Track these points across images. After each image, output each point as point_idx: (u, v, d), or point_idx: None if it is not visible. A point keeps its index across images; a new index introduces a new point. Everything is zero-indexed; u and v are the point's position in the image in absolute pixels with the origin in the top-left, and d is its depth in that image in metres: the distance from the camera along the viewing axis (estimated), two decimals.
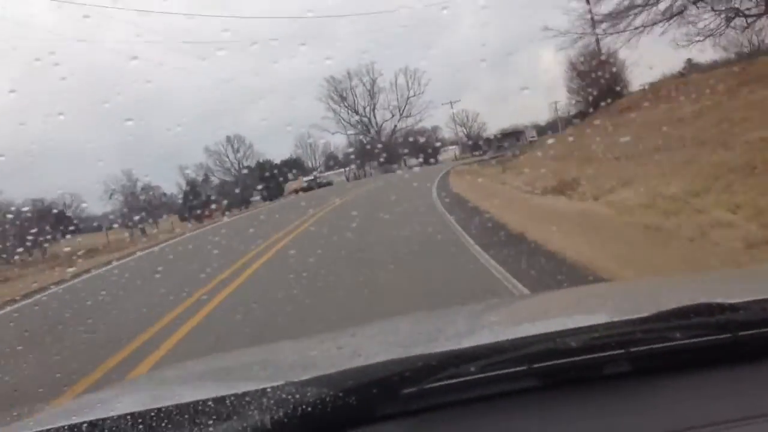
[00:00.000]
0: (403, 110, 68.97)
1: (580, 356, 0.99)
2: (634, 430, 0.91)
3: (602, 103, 21.84)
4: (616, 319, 1.09)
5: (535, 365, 1.00)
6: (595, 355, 0.99)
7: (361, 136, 68.66)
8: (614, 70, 27.62)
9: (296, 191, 59.98)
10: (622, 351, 1.00)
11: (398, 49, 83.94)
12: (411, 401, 0.99)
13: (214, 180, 60.41)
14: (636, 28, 23.36)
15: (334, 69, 65.50)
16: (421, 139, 64.92)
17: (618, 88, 27.27)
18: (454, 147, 67.42)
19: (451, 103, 66.04)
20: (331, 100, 68.97)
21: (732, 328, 1.01)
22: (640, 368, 1.02)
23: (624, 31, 23.52)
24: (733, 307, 1.04)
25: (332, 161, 67.74)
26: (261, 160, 61.45)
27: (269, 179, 56.64)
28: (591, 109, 25.33)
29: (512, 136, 65.15)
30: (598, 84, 25.74)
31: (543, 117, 67.18)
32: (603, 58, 25.61)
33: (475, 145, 65.74)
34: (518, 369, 1.00)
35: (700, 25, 22.57)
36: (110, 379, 4.97)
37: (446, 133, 69.68)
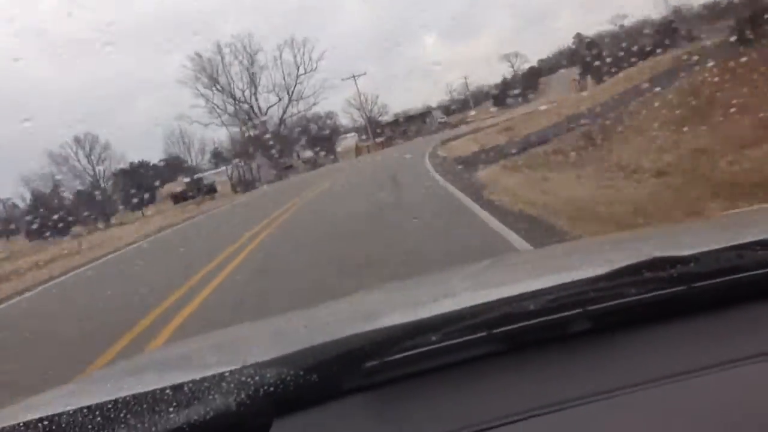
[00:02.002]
0: (293, 92, 56.62)
1: (538, 318, 1.02)
2: (596, 386, 0.93)
3: None
4: (569, 280, 1.09)
5: (495, 330, 1.03)
6: (553, 317, 1.02)
7: (243, 127, 57.99)
8: None
9: (174, 197, 49.58)
10: (580, 310, 1.03)
11: (289, 29, 74.48)
12: (374, 374, 1.01)
13: (65, 191, 47.70)
14: None
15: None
16: (315, 127, 56.74)
17: None
18: (353, 134, 59.95)
19: (354, 77, 55.40)
20: (200, 83, 56.56)
21: (686, 281, 1.05)
22: (600, 326, 1.05)
23: None
24: (685, 260, 1.07)
25: (216, 159, 57.13)
26: (133, 162, 49.63)
27: (136, 184, 45.89)
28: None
29: (418, 118, 59.68)
30: None
31: (437, 99, 62.26)
32: None
33: (377, 131, 58.96)
34: (479, 335, 1.02)
35: None
36: None
37: (343, 119, 61.54)
